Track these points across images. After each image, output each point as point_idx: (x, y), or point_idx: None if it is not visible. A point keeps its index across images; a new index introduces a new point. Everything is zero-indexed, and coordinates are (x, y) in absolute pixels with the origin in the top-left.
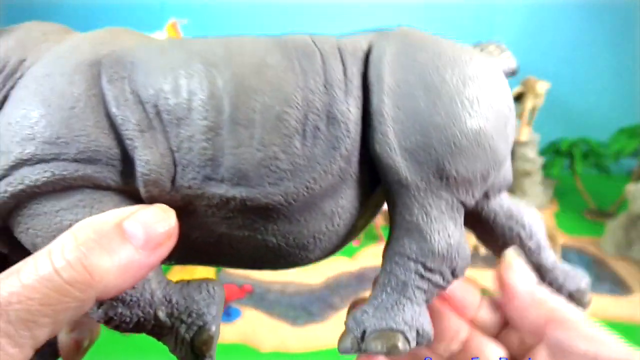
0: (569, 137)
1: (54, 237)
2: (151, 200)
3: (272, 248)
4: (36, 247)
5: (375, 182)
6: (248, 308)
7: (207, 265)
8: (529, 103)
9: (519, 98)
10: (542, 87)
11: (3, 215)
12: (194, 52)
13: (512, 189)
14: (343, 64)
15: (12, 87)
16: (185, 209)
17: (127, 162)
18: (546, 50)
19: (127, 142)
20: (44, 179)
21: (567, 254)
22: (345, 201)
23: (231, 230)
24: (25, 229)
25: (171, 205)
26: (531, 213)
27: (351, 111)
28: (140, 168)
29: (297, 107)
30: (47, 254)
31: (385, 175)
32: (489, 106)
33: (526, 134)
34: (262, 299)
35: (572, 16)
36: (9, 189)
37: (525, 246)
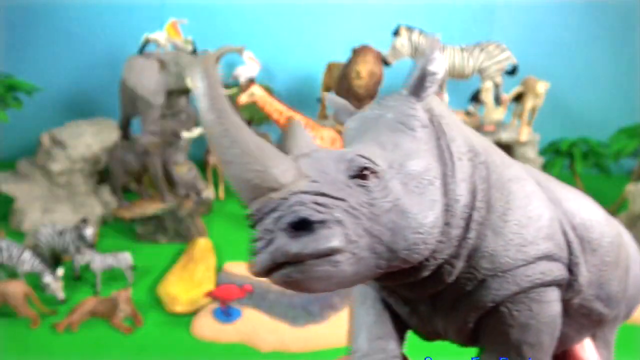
0: (569, 137)
1: (547, 323)
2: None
3: None
4: (529, 328)
5: None
6: (248, 308)
7: None
8: (529, 103)
9: (519, 98)
10: (542, 87)
11: (509, 294)
12: None
13: None
14: None
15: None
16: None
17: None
18: (546, 50)
19: (572, 258)
20: (560, 276)
21: None
22: None
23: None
24: (525, 309)
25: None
26: None
27: None
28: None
29: None
30: None
31: None
32: None
33: (526, 134)
34: (262, 299)
35: (572, 16)
36: (533, 277)
37: None
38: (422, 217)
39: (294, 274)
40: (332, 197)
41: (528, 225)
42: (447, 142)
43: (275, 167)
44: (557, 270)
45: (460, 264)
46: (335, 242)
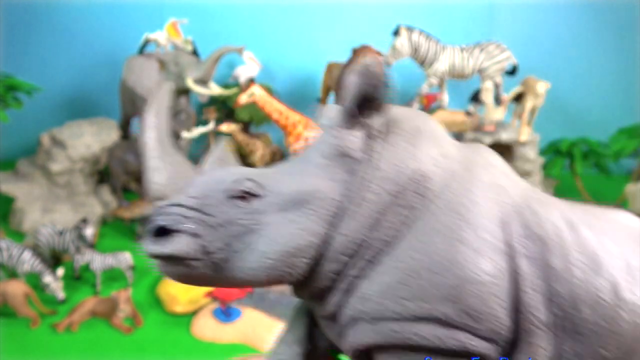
0: (569, 137)
1: None
2: None
3: None
4: None
5: None
6: (248, 308)
7: None
8: (529, 103)
9: (519, 98)
10: (542, 87)
11: (370, 345)
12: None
13: None
14: None
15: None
16: None
17: (509, 346)
18: (546, 50)
19: (523, 332)
20: (452, 345)
21: None
22: None
23: None
24: None
25: None
26: None
27: None
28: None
29: None
30: None
31: None
32: None
33: (526, 134)
34: (262, 299)
35: (572, 16)
36: (402, 335)
37: None
38: (282, 244)
39: (162, 268)
40: (200, 211)
41: (426, 279)
42: (364, 174)
43: (155, 183)
44: (451, 340)
45: (336, 297)
46: (178, 249)
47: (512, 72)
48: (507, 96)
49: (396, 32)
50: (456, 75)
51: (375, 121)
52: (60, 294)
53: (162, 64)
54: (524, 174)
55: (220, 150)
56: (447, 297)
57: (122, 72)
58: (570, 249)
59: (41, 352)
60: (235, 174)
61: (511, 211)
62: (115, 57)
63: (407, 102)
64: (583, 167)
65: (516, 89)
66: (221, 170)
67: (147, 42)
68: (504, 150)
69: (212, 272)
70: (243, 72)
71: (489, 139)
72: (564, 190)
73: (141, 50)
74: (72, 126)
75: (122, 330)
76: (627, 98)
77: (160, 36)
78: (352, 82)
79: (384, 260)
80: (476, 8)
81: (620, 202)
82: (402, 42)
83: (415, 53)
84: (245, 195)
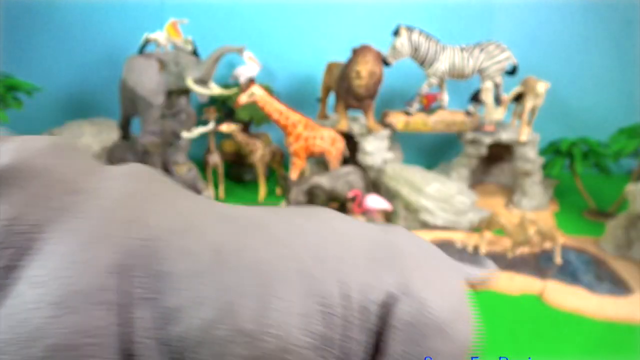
0: (569, 137)
1: None
2: None
3: None
4: None
5: None
6: None
7: None
8: (529, 103)
9: (519, 98)
10: (542, 87)
11: None
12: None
13: (512, 189)
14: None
15: (21, 254)
16: None
17: None
18: (546, 50)
19: None
20: None
21: (567, 254)
22: None
23: None
24: None
25: None
26: None
27: None
28: None
29: None
30: None
31: None
32: None
33: (526, 134)
34: None
35: (571, 16)
36: None
37: None
38: None
39: None
40: None
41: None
42: None
43: None
44: None
45: None
46: None
47: (512, 72)
48: (507, 96)
49: (396, 32)
50: (456, 75)
51: None
52: None
53: (162, 64)
54: (524, 174)
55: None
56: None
57: (122, 72)
58: (181, 284)
59: None
60: None
61: (137, 248)
62: (115, 57)
63: (407, 102)
64: (583, 167)
65: (516, 89)
66: None
67: (147, 42)
68: (504, 150)
69: None
70: (243, 72)
71: (489, 139)
72: (564, 190)
73: (141, 50)
74: (72, 126)
75: None
76: (627, 98)
77: (160, 36)
78: None
79: None
80: (476, 8)
81: (620, 202)
82: (402, 42)
83: (415, 53)
84: None
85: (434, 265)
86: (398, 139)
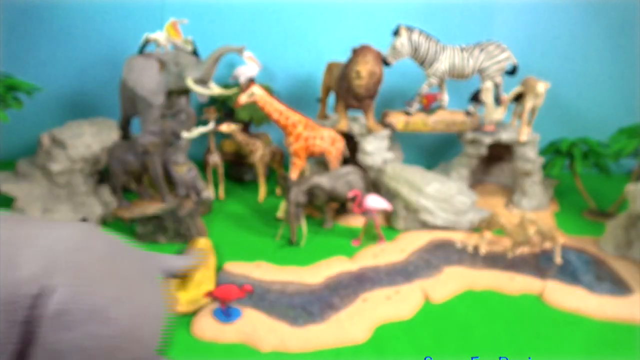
0: (569, 137)
1: None
2: None
3: None
4: None
5: None
6: (248, 308)
7: None
8: (529, 103)
9: (519, 98)
10: (542, 87)
11: None
12: None
13: (512, 189)
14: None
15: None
16: None
17: None
18: (546, 50)
19: None
20: None
21: (567, 254)
22: None
23: None
24: None
25: None
26: None
27: None
28: None
29: None
30: None
31: None
32: None
33: (526, 134)
34: (262, 299)
35: (572, 16)
36: None
37: None
38: None
39: None
40: None
41: None
42: None
43: None
44: None
45: None
46: None
47: (512, 72)
48: (507, 96)
49: (396, 32)
50: (456, 75)
51: None
52: None
53: (162, 64)
54: (524, 174)
55: None
56: None
57: (122, 72)
58: None
59: None
60: None
61: None
62: (115, 57)
63: (407, 102)
64: (583, 167)
65: (516, 89)
66: None
67: (147, 42)
68: (504, 150)
69: None
70: (243, 72)
71: (489, 139)
72: (564, 190)
73: (141, 50)
74: (72, 126)
75: None
76: (627, 98)
77: (160, 36)
78: None
79: None
80: (476, 8)
81: (620, 202)
82: (402, 42)
83: (415, 53)
84: None
85: (100, 257)
86: (398, 139)
